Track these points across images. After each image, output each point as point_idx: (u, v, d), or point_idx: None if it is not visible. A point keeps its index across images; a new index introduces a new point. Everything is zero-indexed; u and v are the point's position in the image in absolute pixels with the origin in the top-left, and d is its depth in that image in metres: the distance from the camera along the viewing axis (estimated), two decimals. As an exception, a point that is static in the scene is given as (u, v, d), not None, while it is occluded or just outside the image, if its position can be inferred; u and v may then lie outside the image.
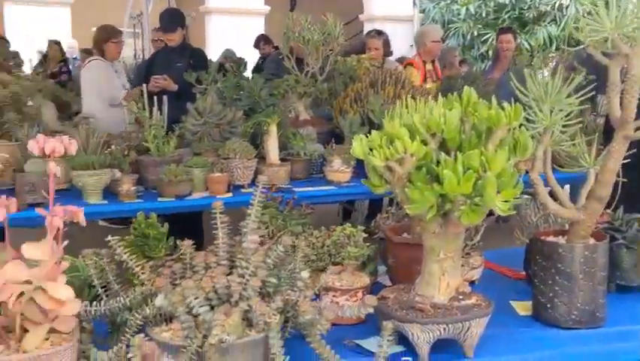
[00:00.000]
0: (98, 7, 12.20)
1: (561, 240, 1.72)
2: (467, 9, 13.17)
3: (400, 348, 1.54)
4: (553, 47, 12.36)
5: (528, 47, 11.93)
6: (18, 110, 3.51)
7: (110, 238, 1.34)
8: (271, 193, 2.06)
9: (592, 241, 1.70)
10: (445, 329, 1.46)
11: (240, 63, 4.29)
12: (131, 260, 1.32)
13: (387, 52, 6.05)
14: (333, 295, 1.68)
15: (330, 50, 4.73)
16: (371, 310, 1.35)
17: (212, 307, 1.22)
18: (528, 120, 1.61)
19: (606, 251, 1.68)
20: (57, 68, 6.40)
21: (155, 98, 3.94)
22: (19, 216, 3.08)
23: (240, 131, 3.85)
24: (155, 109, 3.88)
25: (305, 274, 1.34)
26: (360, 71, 4.49)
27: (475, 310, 1.49)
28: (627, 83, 1.50)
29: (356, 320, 1.66)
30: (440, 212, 1.44)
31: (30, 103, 3.90)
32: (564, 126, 1.71)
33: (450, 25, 13.64)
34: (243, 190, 3.57)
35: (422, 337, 1.46)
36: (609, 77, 1.57)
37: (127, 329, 1.23)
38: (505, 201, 1.37)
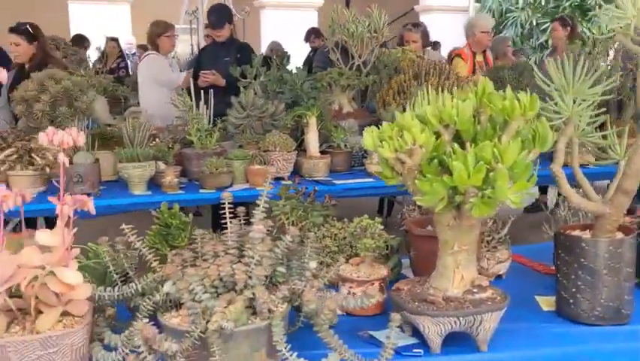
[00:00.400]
0: (156, 4, 12.51)
1: (585, 234, 1.68)
2: (527, -3, 12.82)
3: (412, 340, 1.54)
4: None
5: (590, 35, 11.53)
6: (70, 104, 3.65)
7: (124, 226, 1.39)
8: (295, 184, 2.08)
9: (618, 235, 1.65)
10: (455, 322, 1.44)
11: (283, 56, 4.32)
12: (145, 248, 1.36)
13: (427, 43, 5.99)
14: (350, 286, 1.69)
15: (375, 42, 4.74)
16: (373, 302, 1.35)
17: (218, 295, 1.25)
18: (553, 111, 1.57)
19: (633, 246, 1.62)
20: (115, 64, 6.62)
21: (202, 92, 4.04)
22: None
23: (282, 124, 3.89)
24: (201, 103, 3.98)
25: (313, 264, 1.36)
26: (404, 63, 4.45)
27: (489, 305, 1.47)
28: (649, 73, 1.45)
29: (373, 311, 1.68)
30: (452, 204, 1.43)
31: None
32: (592, 117, 1.67)
33: (508, 15, 13.31)
34: (283, 182, 3.62)
35: (433, 329, 1.45)
36: None
37: (138, 314, 1.28)
38: (518, 194, 1.35)
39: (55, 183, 3.27)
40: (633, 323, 1.66)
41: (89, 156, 3.26)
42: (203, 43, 8.69)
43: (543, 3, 12.73)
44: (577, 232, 1.70)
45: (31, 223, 4.31)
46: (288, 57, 4.34)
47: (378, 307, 1.67)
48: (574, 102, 1.55)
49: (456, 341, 1.51)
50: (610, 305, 1.61)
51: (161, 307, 1.29)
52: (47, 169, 3.25)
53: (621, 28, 1.47)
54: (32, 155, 3.21)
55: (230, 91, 4.40)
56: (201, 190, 3.43)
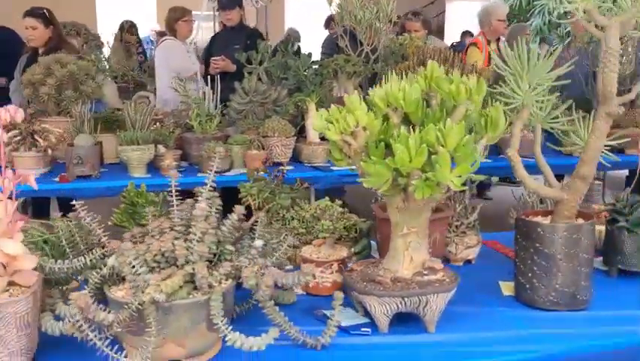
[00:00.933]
0: (182, -9, 12.61)
1: (543, 220, 1.68)
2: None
3: (363, 320, 1.57)
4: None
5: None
6: (75, 88, 3.74)
7: (74, 202, 1.45)
8: (265, 167, 2.11)
9: (577, 221, 1.65)
10: (401, 302, 1.47)
11: (288, 42, 4.34)
12: (95, 224, 1.42)
13: (429, 31, 5.95)
14: (309, 267, 1.72)
15: (383, 29, 4.73)
16: (310, 280, 1.38)
17: (161, 270, 1.30)
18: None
19: (591, 233, 1.62)
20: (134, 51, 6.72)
21: (209, 78, 4.10)
22: (68, 187, 3.33)
23: (284, 110, 3.93)
24: (207, 88, 4.04)
25: (258, 243, 1.39)
26: (410, 50, 4.44)
27: (435, 286, 1.48)
28: (605, 57, 1.44)
29: (331, 291, 1.71)
30: (400, 187, 1.45)
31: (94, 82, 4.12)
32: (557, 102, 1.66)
33: (535, 3, 13.03)
34: (281, 167, 3.65)
35: (379, 309, 1.48)
36: (605, 42, 1.48)
37: (85, 287, 1.33)
38: (460, 177, 1.36)
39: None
40: (592, 309, 1.66)
41: (89, 138, 3.35)
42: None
43: (571, -10, 12.42)
44: (536, 218, 1.71)
45: (44, 205, 4.44)
46: (293, 43, 4.36)
47: (336, 286, 1.69)
48: (530, 87, 1.54)
49: (407, 321, 1.54)
50: (565, 291, 1.61)
51: (109, 280, 1.34)
52: (49, 151, 3.34)
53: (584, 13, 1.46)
54: (35, 137, 3.30)
55: (240, 77, 4.43)
56: (199, 174, 3.49)
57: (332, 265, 1.70)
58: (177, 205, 1.41)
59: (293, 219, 1.90)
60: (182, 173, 3.50)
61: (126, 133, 3.43)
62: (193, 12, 12.00)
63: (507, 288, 1.78)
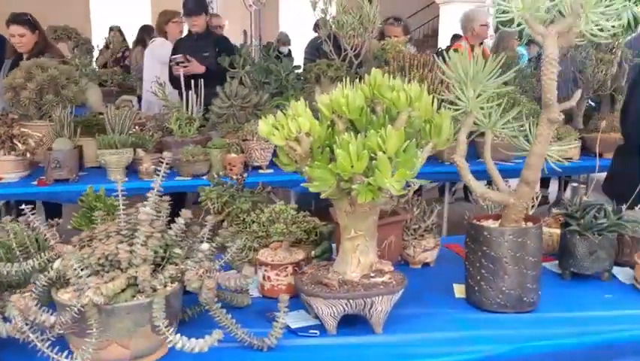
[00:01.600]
0: (174, -5, 12.67)
1: (491, 223, 1.71)
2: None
3: (313, 322, 1.60)
4: (639, 29, 11.62)
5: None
6: (56, 92, 3.78)
7: (23, 206, 1.48)
8: (226, 171, 2.14)
9: (524, 225, 1.68)
10: (347, 304, 1.50)
11: (270, 47, 4.38)
12: (44, 228, 1.45)
13: (410, 37, 6.00)
14: (265, 270, 1.76)
15: (366, 34, 4.76)
16: (250, 282, 1.41)
17: (107, 273, 1.33)
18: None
19: (537, 236, 1.65)
20: (120, 54, 6.77)
21: (193, 82, 4.12)
22: (47, 191, 3.36)
23: (265, 114, 3.96)
24: (191, 92, 4.08)
25: (204, 246, 1.43)
26: (390, 55, 4.47)
27: (381, 288, 1.52)
28: (543, 65, 1.47)
29: (286, 293, 1.74)
30: (345, 191, 1.48)
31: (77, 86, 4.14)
32: (504, 109, 1.70)
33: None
34: (260, 171, 3.70)
35: (326, 311, 1.51)
36: (544, 50, 1.52)
37: (33, 290, 1.36)
38: (399, 182, 1.39)
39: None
40: (539, 311, 1.69)
41: (67, 142, 3.38)
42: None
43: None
44: (485, 222, 1.74)
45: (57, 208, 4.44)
46: (275, 47, 4.40)
47: (291, 289, 1.73)
48: (475, 94, 1.58)
49: (355, 323, 1.57)
50: (511, 293, 1.64)
51: (56, 283, 1.37)
52: (28, 155, 3.37)
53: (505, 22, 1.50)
54: (14, 141, 3.34)
55: (215, 84, 4.43)
56: (177, 178, 3.52)
57: (287, 267, 1.73)
58: (124, 210, 1.44)
59: (253, 222, 1.93)
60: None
61: (104, 137, 3.47)
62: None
63: (459, 290, 1.81)
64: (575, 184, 6.45)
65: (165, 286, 1.37)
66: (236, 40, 7.74)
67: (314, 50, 5.18)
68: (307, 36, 7.68)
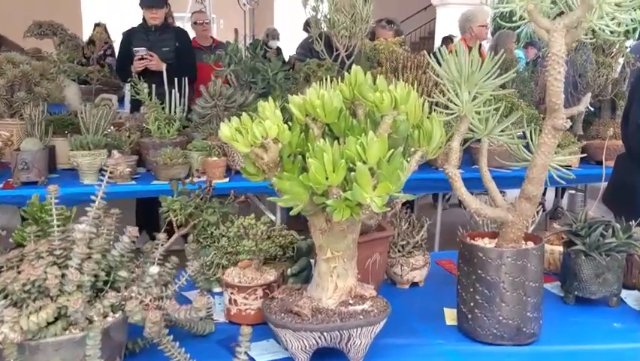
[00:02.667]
0: (166, -8, 12.47)
1: (487, 243, 1.52)
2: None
3: (285, 354, 1.40)
4: (637, 34, 11.49)
5: (609, 32, 11.17)
6: (29, 89, 3.57)
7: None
8: (191, 179, 1.95)
9: (524, 245, 1.49)
10: (320, 337, 1.30)
11: (257, 45, 4.18)
12: None
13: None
14: (231, 292, 1.55)
15: (358, 34, 4.57)
16: (202, 315, 1.21)
17: (35, 301, 1.13)
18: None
19: (539, 258, 1.45)
20: (102, 51, 6.53)
21: (176, 81, 3.89)
22: (13, 194, 3.15)
23: (250, 115, 3.76)
24: (175, 92, 3.87)
25: (154, 269, 1.23)
26: (383, 56, 4.28)
27: (359, 319, 1.32)
28: (549, 64, 1.28)
29: (255, 320, 1.54)
30: (319, 206, 1.29)
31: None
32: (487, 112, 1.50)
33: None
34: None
35: (296, 344, 1.31)
36: (550, 47, 1.32)
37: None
38: (381, 197, 1.20)
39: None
40: (540, 343, 1.50)
41: (37, 142, 3.17)
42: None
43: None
44: (480, 241, 1.55)
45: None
46: (261, 46, 4.19)
47: (261, 315, 1.53)
48: (471, 96, 1.38)
49: (332, 355, 1.37)
50: (509, 323, 1.44)
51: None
52: (-7, 155, 3.17)
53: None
54: (-21, 141, 3.13)
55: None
56: (154, 182, 3.32)
57: (256, 290, 1.53)
58: (58, 226, 1.23)
59: (222, 236, 1.73)
60: (136, 180, 3.34)
61: (77, 137, 3.26)
62: (178, 14, 11.82)
63: (451, 316, 1.61)
64: (572, 192, 6.29)
65: (105, 317, 1.16)
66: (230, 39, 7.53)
67: (306, 50, 4.98)
68: (302, 36, 7.48)
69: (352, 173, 1.20)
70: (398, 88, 1.26)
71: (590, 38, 1.34)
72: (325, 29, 4.51)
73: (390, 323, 1.53)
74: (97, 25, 6.95)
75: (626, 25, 1.23)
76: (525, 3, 1.22)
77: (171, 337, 1.24)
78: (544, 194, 6.47)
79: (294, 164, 1.27)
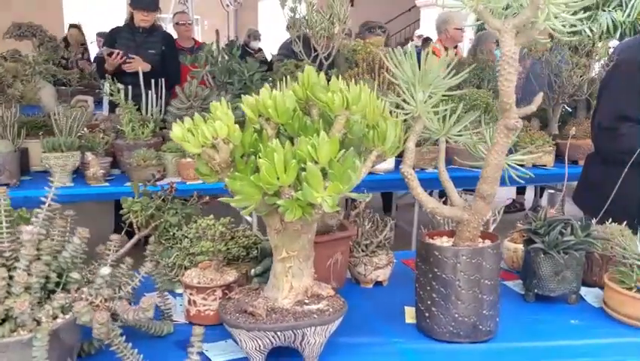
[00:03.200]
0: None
1: (445, 242, 1.53)
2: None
3: (242, 354, 1.40)
4: (618, 34, 11.61)
5: (589, 33, 11.30)
6: (1, 91, 3.54)
7: None
8: (154, 180, 1.94)
9: (481, 244, 1.50)
10: (274, 336, 1.30)
11: (233, 46, 4.17)
12: None
13: (386, 43, 5.86)
14: (190, 293, 1.56)
15: (336, 34, 4.59)
16: (149, 316, 1.21)
17: (-18, 302, 1.12)
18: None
19: (495, 257, 1.47)
20: (79, 55, 6.48)
21: (153, 82, 3.88)
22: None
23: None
24: (150, 92, 3.87)
25: (105, 270, 1.22)
26: (359, 56, 4.29)
27: (314, 318, 1.32)
28: (500, 65, 1.29)
29: (214, 320, 1.55)
30: (272, 207, 1.29)
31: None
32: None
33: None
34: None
35: (250, 344, 1.32)
36: (501, 47, 1.33)
37: None
38: (331, 197, 1.20)
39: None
40: (497, 340, 1.51)
41: (8, 144, 3.15)
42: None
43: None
44: (438, 239, 1.56)
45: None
46: (238, 47, 4.19)
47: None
48: (425, 96, 1.39)
49: (289, 354, 1.38)
50: (465, 321, 1.46)
51: None
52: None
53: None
54: (-52, 142, 3.10)
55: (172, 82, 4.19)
56: (128, 183, 3.30)
57: (215, 291, 1.54)
58: (7, 227, 1.23)
59: (185, 237, 1.73)
60: (109, 182, 3.32)
61: (49, 139, 3.24)
62: (161, 15, 11.75)
63: (410, 315, 1.62)
64: (552, 191, 6.34)
65: (55, 318, 1.16)
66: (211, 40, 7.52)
67: (286, 51, 4.98)
68: (285, 36, 7.47)
69: (304, 173, 1.21)
70: (351, 89, 1.27)
71: (551, 41, 1.35)
72: (304, 30, 4.53)
73: (349, 322, 1.54)
74: (72, 26, 6.90)
75: (575, 26, 1.24)
76: (475, 3, 1.23)
77: (123, 338, 1.24)
78: (524, 193, 6.52)
79: (247, 164, 1.27)
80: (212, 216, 1.66)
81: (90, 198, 3.24)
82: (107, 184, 3.27)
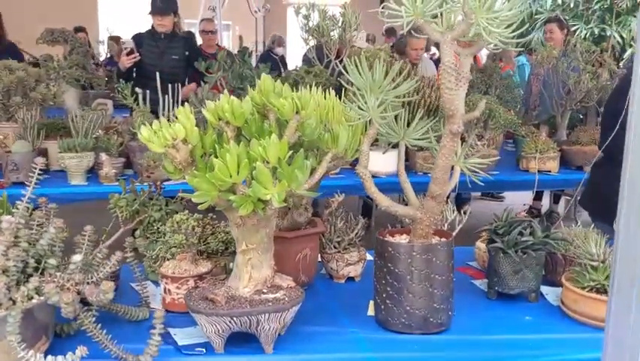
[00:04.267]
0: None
1: (402, 239, 1.63)
2: (554, -1, 12.42)
3: (202, 339, 1.52)
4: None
5: (620, 39, 11.20)
6: (25, 94, 3.75)
7: None
8: (138, 182, 2.08)
9: (433, 240, 1.59)
10: (230, 322, 1.42)
11: (244, 52, 4.32)
12: None
13: (427, 47, 5.93)
14: (165, 282, 1.69)
15: (348, 41, 4.71)
16: (109, 298, 1.33)
17: (-34, 283, 1.27)
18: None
19: (445, 253, 1.56)
20: (107, 59, 6.72)
21: (170, 86, 4.05)
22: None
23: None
24: (168, 96, 4.03)
25: (76, 257, 1.36)
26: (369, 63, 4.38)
27: (268, 305, 1.44)
28: (440, 74, 1.39)
29: (185, 308, 1.67)
30: (230, 202, 1.41)
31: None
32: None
33: (536, 17, 12.98)
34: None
35: (210, 329, 1.43)
36: (441, 57, 1.44)
37: None
38: (278, 194, 1.32)
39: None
40: (451, 332, 1.60)
41: (26, 145, 3.34)
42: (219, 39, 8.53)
43: (572, 5, 12.33)
44: (398, 237, 1.66)
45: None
46: (250, 53, 4.34)
47: (192, 303, 1.65)
48: (377, 102, 1.50)
49: (249, 341, 1.49)
50: (416, 313, 1.55)
51: None
52: (-16, 156, 3.34)
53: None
54: (-28, 143, 3.31)
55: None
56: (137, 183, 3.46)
57: (188, 281, 1.66)
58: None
59: (166, 232, 1.86)
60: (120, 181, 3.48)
61: (66, 140, 3.43)
62: (189, 20, 11.97)
63: (372, 308, 1.72)
64: (568, 197, 6.32)
65: (30, 299, 1.30)
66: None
67: (306, 58, 5.12)
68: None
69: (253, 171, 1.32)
70: (302, 95, 1.38)
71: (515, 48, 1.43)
72: (316, 37, 4.67)
73: (314, 313, 1.66)
74: (77, 30, 7.19)
75: (507, 37, 1.33)
76: (414, 17, 1.33)
77: (93, 319, 1.37)
78: (540, 199, 6.51)
79: (206, 163, 1.40)
80: (186, 212, 1.79)
81: (102, 197, 3.41)
82: (118, 183, 3.43)
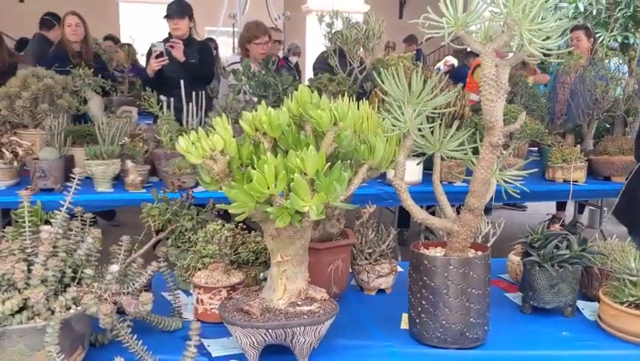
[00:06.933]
0: (197, 5, 12.81)
1: (437, 252, 1.61)
2: (576, 7, 12.32)
3: (237, 351, 1.51)
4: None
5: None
6: (51, 101, 3.78)
7: None
8: (174, 187, 2.08)
9: (470, 254, 1.57)
10: (266, 334, 1.41)
11: (268, 60, 4.33)
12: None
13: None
14: (198, 292, 1.68)
15: (372, 49, 4.70)
16: (148, 309, 1.33)
17: (4, 293, 1.27)
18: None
19: (482, 267, 1.53)
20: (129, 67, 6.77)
21: (194, 94, 4.05)
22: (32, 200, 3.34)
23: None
24: (192, 104, 4.05)
25: (114, 268, 1.36)
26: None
27: (304, 318, 1.42)
28: (481, 86, 1.37)
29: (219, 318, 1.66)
30: (267, 214, 1.40)
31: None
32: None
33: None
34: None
35: (245, 341, 1.42)
36: (482, 69, 1.42)
37: None
38: (317, 206, 1.31)
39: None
40: (486, 347, 1.58)
41: (54, 152, 3.37)
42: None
43: (595, 13, 12.23)
44: (433, 249, 1.64)
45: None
46: (273, 61, 4.34)
47: (226, 314, 1.64)
48: (415, 113, 1.48)
49: (284, 353, 1.48)
50: (452, 328, 1.53)
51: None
52: (15, 163, 3.37)
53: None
54: (2, 149, 3.34)
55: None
56: (162, 190, 3.47)
57: (220, 291, 1.65)
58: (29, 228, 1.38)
59: (198, 241, 1.86)
60: (146, 189, 3.50)
61: (92, 147, 3.45)
62: (210, 28, 12.03)
63: (406, 321, 1.70)
64: (592, 208, 6.24)
65: (68, 309, 1.30)
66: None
67: (323, 65, 5.11)
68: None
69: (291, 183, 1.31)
70: (340, 106, 1.37)
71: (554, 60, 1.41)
72: (339, 45, 4.66)
73: (346, 326, 1.64)
74: (106, 38, 7.24)
75: (550, 49, 1.31)
76: (455, 29, 1.32)
77: (129, 329, 1.37)
78: (564, 209, 6.43)
79: (243, 175, 1.39)
80: (220, 221, 1.79)
81: (128, 204, 3.43)
82: (144, 191, 3.45)
